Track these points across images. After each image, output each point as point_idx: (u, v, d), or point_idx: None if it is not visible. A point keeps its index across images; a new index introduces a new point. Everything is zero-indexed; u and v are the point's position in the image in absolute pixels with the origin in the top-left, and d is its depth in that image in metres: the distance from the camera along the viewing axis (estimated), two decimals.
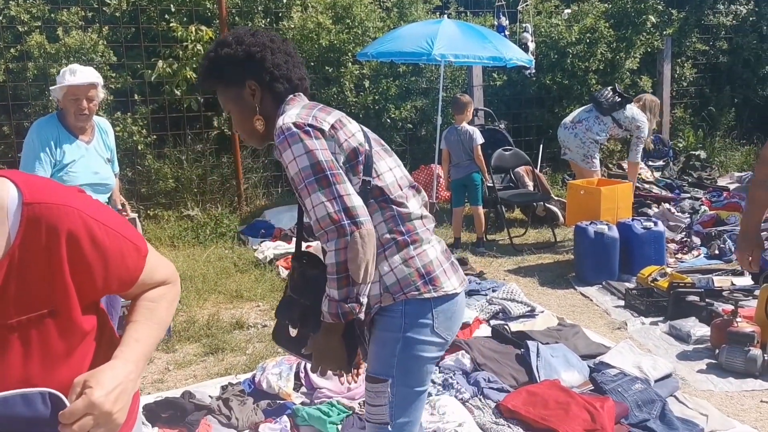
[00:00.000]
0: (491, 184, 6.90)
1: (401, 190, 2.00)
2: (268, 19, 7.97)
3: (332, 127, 1.90)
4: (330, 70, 8.07)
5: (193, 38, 7.27)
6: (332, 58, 8.06)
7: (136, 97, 7.31)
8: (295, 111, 1.92)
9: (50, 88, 3.58)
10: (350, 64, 8.08)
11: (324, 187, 1.81)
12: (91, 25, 7.05)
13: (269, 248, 6.36)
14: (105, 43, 6.96)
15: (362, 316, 1.89)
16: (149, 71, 7.22)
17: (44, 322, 1.30)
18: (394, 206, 1.96)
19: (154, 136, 7.35)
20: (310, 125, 1.86)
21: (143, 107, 7.29)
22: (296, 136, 1.84)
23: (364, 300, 1.87)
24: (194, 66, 7.32)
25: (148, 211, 7.28)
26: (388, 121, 8.36)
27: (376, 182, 1.95)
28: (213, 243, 6.80)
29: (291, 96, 2.04)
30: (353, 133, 1.95)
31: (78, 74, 3.47)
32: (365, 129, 2.06)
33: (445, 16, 8.23)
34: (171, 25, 7.29)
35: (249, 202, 7.79)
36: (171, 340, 4.45)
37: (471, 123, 8.08)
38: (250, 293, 5.35)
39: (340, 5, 8.07)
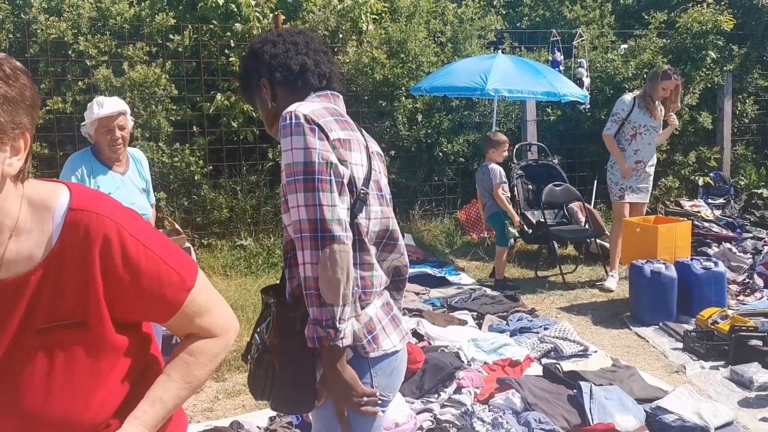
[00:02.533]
0: (516, 227, 6.57)
1: (374, 243, 1.89)
2: None
3: (338, 140, 1.78)
4: (383, 104, 8.15)
5: None
6: (386, 92, 8.15)
7: (194, 128, 7.51)
8: (314, 107, 1.81)
9: (81, 125, 3.56)
10: (404, 98, 8.15)
11: (308, 191, 1.70)
12: (155, 60, 7.30)
13: None
14: (167, 77, 7.19)
15: (341, 344, 1.73)
16: (208, 104, 7.42)
17: (73, 334, 1.29)
18: (362, 253, 1.83)
19: (211, 167, 7.52)
20: (318, 125, 1.75)
21: (201, 139, 7.48)
22: (301, 127, 1.73)
23: (343, 326, 1.71)
24: None
25: (203, 240, 7.42)
26: (440, 154, 8.37)
27: (361, 221, 1.82)
28: (265, 273, 6.87)
29: (319, 93, 1.95)
30: (354, 162, 1.83)
31: (106, 105, 3.48)
32: (377, 170, 1.93)
33: (500, 51, 8.26)
34: (230, 59, 7.50)
35: None
36: (221, 368, 4.48)
37: (524, 157, 8.05)
38: None
39: (395, 40, 8.17)
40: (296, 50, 1.94)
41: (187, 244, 5.45)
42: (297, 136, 1.73)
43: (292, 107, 1.79)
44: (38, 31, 7.00)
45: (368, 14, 8.33)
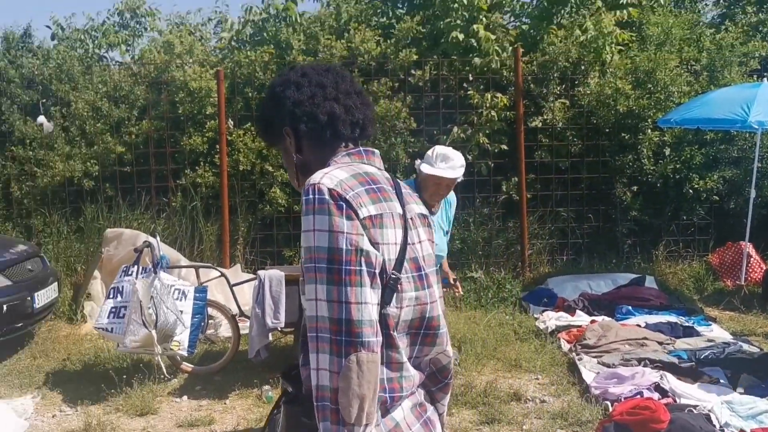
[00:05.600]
0: None
1: (406, 335, 1.59)
2: (564, 86, 7.90)
3: (369, 218, 1.51)
4: (626, 137, 7.69)
5: (488, 105, 7.48)
6: (629, 124, 7.69)
7: None
8: (344, 175, 1.55)
9: (418, 162, 3.75)
10: (649, 130, 7.63)
11: (331, 284, 1.44)
12: (397, 94, 7.61)
13: (551, 318, 6.15)
14: (407, 110, 7.46)
15: None
16: (445, 137, 7.56)
17: None
18: (390, 350, 1.54)
19: None
20: (346, 201, 1.49)
21: None
22: (326, 205, 1.48)
23: None
24: (487, 132, 7.51)
25: None
26: (691, 191, 7.66)
27: (390, 311, 1.54)
28: (494, 307, 6.75)
29: (353, 149, 1.68)
30: (387, 242, 1.54)
31: (451, 164, 3.64)
32: (414, 242, 1.63)
33: (764, 79, 7.41)
34: (468, 92, 7.58)
35: (533, 268, 7.64)
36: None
37: None
38: (529, 364, 5.16)
39: (641, 69, 7.70)
40: (324, 95, 1.66)
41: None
42: (320, 215, 1.48)
43: (315, 177, 1.53)
44: None
45: (613, 44, 7.95)
